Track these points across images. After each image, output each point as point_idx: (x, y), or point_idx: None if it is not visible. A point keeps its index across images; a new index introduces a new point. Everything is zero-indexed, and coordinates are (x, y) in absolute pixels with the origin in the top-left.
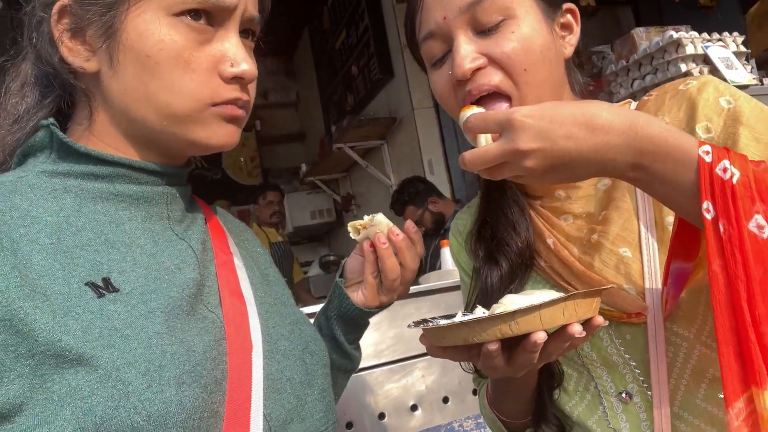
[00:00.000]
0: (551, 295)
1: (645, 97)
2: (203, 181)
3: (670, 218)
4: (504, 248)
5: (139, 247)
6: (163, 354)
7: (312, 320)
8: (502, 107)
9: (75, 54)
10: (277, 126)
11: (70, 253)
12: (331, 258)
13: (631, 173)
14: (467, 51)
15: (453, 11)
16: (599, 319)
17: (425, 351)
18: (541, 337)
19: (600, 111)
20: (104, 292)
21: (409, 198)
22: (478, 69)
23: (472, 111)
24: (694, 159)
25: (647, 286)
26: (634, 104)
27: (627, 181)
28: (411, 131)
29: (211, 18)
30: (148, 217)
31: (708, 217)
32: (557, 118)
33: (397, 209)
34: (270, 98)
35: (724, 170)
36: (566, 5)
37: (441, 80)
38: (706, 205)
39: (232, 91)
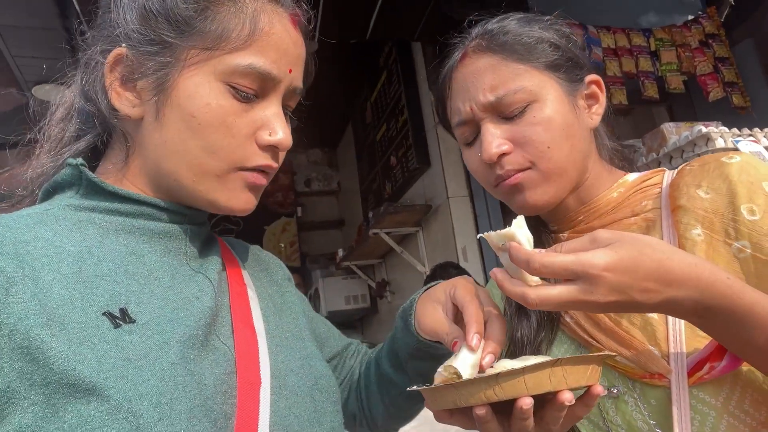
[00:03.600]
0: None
1: (687, 167)
2: None
3: None
4: None
5: (157, 279)
6: (175, 386)
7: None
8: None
9: (123, 100)
10: (318, 213)
11: (90, 282)
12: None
13: (693, 319)
14: (493, 137)
15: (478, 104)
16: (598, 388)
17: None
18: (527, 402)
19: (672, 264)
20: (120, 322)
21: None
22: (504, 154)
23: (508, 233)
24: (759, 316)
25: (672, 350)
26: (668, 173)
27: (691, 323)
28: (446, 219)
29: (258, 87)
30: (167, 252)
31: None
32: (638, 274)
33: None
34: (312, 186)
35: None
36: (589, 77)
37: (473, 159)
38: None
39: (264, 158)
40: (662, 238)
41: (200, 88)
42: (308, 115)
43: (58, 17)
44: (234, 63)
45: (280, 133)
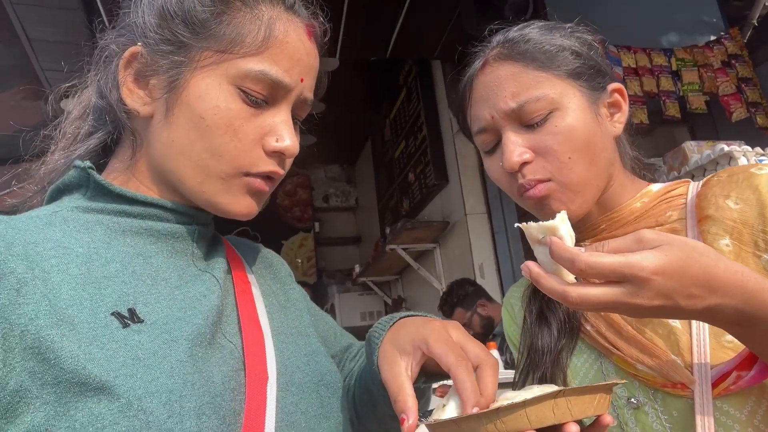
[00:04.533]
0: (550, 389)
1: (714, 178)
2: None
3: None
4: (554, 305)
5: (164, 280)
6: (184, 384)
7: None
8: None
9: (134, 97)
10: (335, 229)
11: (99, 283)
12: None
13: (734, 327)
14: (515, 146)
15: (499, 112)
16: (608, 419)
17: None
18: None
19: (718, 271)
20: (129, 322)
21: (458, 300)
22: (526, 162)
23: (546, 228)
24: None
25: (696, 360)
26: (693, 184)
27: (728, 332)
28: (463, 235)
29: (268, 94)
30: (174, 253)
31: None
32: (685, 279)
33: (446, 311)
34: (330, 202)
35: None
36: (612, 86)
37: (494, 167)
38: None
39: (270, 164)
40: None
41: (211, 90)
42: (327, 131)
43: (88, 31)
44: (246, 68)
45: (287, 140)
